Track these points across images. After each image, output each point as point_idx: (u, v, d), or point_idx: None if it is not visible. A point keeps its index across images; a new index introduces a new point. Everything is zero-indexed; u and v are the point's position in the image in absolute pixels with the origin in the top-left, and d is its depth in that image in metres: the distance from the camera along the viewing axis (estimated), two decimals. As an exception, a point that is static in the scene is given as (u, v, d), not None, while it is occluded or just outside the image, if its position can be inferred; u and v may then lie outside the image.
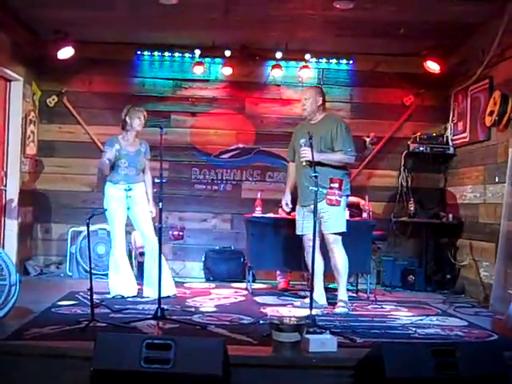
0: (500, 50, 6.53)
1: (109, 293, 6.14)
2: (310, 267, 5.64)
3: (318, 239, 5.55)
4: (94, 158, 7.85)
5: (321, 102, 5.93)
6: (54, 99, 7.95)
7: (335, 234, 5.75)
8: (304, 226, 5.85)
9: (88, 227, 5.01)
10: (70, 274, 7.60)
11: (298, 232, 5.95)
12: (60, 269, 7.84)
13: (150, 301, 5.84)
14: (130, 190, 6.08)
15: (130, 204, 6.14)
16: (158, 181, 5.34)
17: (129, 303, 5.79)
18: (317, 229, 5.26)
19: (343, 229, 5.80)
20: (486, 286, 6.57)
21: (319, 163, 5.47)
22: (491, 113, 6.54)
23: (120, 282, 6.14)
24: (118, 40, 7.79)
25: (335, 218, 5.71)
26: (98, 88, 8.03)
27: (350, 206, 6.54)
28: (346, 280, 5.94)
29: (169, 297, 6.05)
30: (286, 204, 6.13)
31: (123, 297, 6.03)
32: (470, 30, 7.05)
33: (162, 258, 6.15)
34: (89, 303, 4.93)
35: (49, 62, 7.63)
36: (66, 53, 7.48)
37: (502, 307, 5.65)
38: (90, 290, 4.84)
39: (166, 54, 8.08)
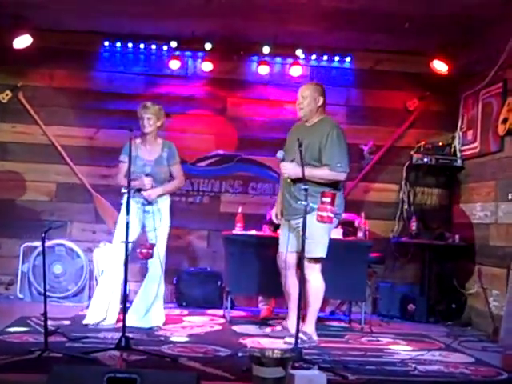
0: (515, 50, 6.62)
1: (76, 319, 6.17)
2: (285, 290, 5.73)
3: (294, 259, 5.58)
4: (53, 162, 7.88)
5: (321, 102, 5.86)
6: (7, 95, 7.91)
7: (312, 258, 5.68)
8: (280, 243, 5.91)
9: (43, 242, 4.99)
10: (22, 296, 7.56)
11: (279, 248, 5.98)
12: (10, 290, 7.78)
13: (113, 328, 5.84)
14: (147, 204, 6.05)
15: (147, 222, 6.13)
16: (125, 190, 5.35)
17: (89, 331, 5.78)
18: (293, 248, 5.29)
19: (322, 254, 5.73)
20: (496, 318, 6.62)
21: (301, 180, 5.29)
22: (505, 120, 6.61)
23: (103, 308, 6.08)
24: (84, 28, 7.79)
25: (315, 241, 5.58)
26: (59, 83, 8.02)
27: (343, 223, 6.58)
28: (316, 311, 5.86)
29: (151, 328, 6.07)
30: (276, 216, 6.13)
31: (96, 327, 5.96)
32: (482, 26, 7.12)
33: (163, 283, 6.22)
34: (42, 330, 4.90)
35: (3, 51, 7.60)
36: (23, 42, 7.47)
37: (513, 342, 5.70)
38: (44, 314, 4.82)
39: (138, 45, 8.08)
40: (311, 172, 5.57)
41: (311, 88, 5.92)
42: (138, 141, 6.21)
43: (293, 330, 5.71)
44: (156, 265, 6.11)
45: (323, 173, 5.68)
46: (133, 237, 6.11)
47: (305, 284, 5.67)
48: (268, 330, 6.09)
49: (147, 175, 6.02)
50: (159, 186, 6.13)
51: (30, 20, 7.36)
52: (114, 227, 6.26)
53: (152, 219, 6.14)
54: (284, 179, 5.81)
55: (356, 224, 6.92)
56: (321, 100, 5.87)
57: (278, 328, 6.04)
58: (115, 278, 6.12)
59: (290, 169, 5.55)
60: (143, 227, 6.19)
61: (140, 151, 6.15)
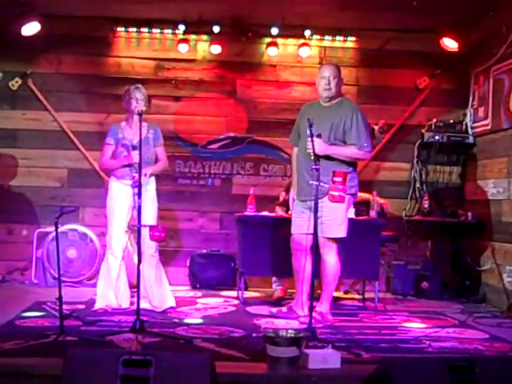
0: (526, 26, 6.57)
1: (90, 303, 6.16)
2: (296, 271, 5.77)
3: (308, 239, 5.57)
4: (63, 148, 7.92)
5: (343, 83, 5.96)
6: (17, 82, 7.92)
7: (331, 238, 5.73)
8: (296, 224, 5.89)
9: (56, 228, 5.00)
10: (36, 281, 7.59)
11: (292, 230, 5.97)
12: (25, 276, 7.82)
13: (127, 312, 5.86)
14: (136, 186, 6.00)
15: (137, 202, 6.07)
16: (136, 175, 5.35)
17: (103, 314, 5.80)
18: (310, 229, 5.28)
19: (342, 234, 5.76)
20: (510, 294, 6.62)
21: (327, 157, 5.46)
22: (516, 96, 6.57)
23: (111, 292, 6.11)
24: (91, 14, 7.78)
25: (334, 221, 5.65)
26: (67, 69, 8.02)
27: (356, 203, 6.56)
28: (332, 291, 5.92)
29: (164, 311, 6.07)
30: (293, 199, 6.09)
31: (107, 311, 5.97)
32: (492, 2, 7.07)
33: (160, 265, 6.22)
34: (57, 314, 4.91)
35: (11, 39, 7.58)
36: (31, 29, 7.46)
37: (527, 317, 5.70)
38: (59, 299, 4.83)
39: (146, 30, 8.07)
40: (338, 150, 5.69)
41: (337, 69, 5.93)
42: (123, 123, 6.23)
43: (301, 312, 5.74)
44: (149, 247, 6.01)
45: (351, 151, 5.73)
46: (126, 221, 6.15)
47: (321, 264, 5.69)
48: (274, 310, 6.09)
49: (134, 148, 5.98)
50: (147, 166, 5.98)
51: (38, 7, 7.36)
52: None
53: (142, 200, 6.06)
54: (304, 155, 5.73)
55: (371, 202, 6.86)
56: (343, 80, 5.96)
57: (284, 309, 6.04)
58: (117, 264, 6.13)
59: (318, 144, 5.43)
60: (133, 209, 6.12)
61: (125, 133, 6.16)
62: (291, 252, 5.96)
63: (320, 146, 5.44)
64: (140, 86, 6.23)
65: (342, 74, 5.99)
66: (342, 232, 5.75)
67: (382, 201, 7.04)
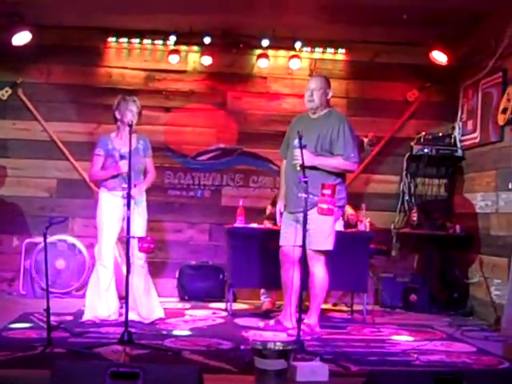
0: (515, 40, 6.62)
1: (78, 314, 6.16)
2: (284, 283, 5.80)
3: (299, 251, 5.59)
4: (53, 158, 7.90)
5: (330, 95, 5.96)
6: (7, 91, 7.91)
7: (318, 251, 5.73)
8: (284, 237, 5.91)
9: (45, 238, 5.00)
10: (24, 292, 7.56)
11: (280, 243, 5.98)
12: (12, 286, 7.80)
13: (116, 323, 5.85)
14: (126, 198, 5.98)
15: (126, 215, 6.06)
16: (126, 185, 5.35)
17: (92, 326, 5.79)
18: (298, 241, 5.31)
19: (328, 246, 5.76)
20: (498, 307, 6.63)
21: (314, 168, 5.47)
22: (504, 110, 6.61)
23: (99, 303, 6.09)
24: (82, 24, 7.79)
25: (321, 233, 5.65)
26: (58, 79, 8.02)
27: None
28: (320, 304, 5.93)
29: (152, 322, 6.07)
30: (281, 212, 6.10)
31: (95, 322, 5.95)
32: (481, 16, 7.13)
33: (149, 276, 6.22)
34: (45, 326, 4.90)
35: (2, 48, 7.59)
36: (21, 38, 7.47)
37: (515, 331, 5.71)
38: (47, 310, 4.83)
39: (137, 40, 8.09)
40: (325, 161, 5.71)
41: (323, 81, 5.99)
42: (113, 134, 6.24)
43: (289, 325, 5.75)
44: (138, 258, 5.99)
45: (337, 162, 5.74)
46: (117, 232, 6.15)
47: (309, 276, 5.70)
48: (261, 324, 6.10)
49: (121, 157, 5.99)
50: (137, 177, 6.03)
51: (28, 17, 7.37)
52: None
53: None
54: (291, 167, 5.76)
55: (345, 216, 6.87)
56: (330, 93, 5.96)
57: (272, 322, 6.04)
58: (108, 275, 6.13)
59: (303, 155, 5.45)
60: (123, 221, 6.12)
61: (115, 144, 6.16)
62: (280, 264, 5.96)
63: (306, 157, 5.41)
64: (136, 98, 6.23)
65: (332, 86, 6.02)
66: (328, 244, 5.75)
67: (350, 211, 7.02)
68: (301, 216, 5.57)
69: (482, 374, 4.14)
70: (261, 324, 6.09)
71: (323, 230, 5.66)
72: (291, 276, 5.72)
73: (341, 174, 5.85)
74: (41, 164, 7.93)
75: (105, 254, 6.12)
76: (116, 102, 6.20)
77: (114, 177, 6.10)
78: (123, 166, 5.90)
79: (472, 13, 7.00)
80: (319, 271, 5.76)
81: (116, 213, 6.10)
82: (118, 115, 6.16)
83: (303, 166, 5.30)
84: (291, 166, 5.77)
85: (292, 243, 5.73)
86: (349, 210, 6.98)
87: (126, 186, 5.52)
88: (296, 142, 5.58)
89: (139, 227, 5.97)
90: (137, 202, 5.95)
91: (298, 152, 5.51)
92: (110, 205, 6.12)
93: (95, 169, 6.21)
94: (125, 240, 5.45)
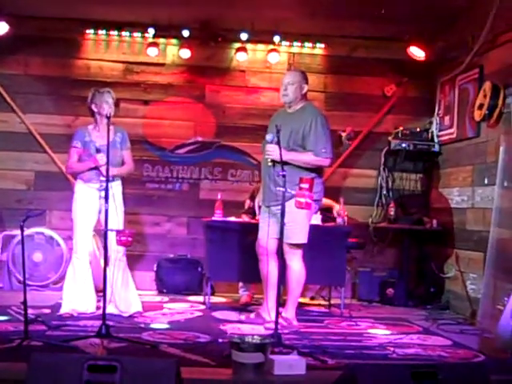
0: (491, 36, 6.65)
1: (56, 307, 6.12)
2: (262, 276, 5.80)
3: (274, 245, 5.61)
4: (31, 151, 7.85)
5: (306, 89, 5.93)
6: (-16, 83, 7.86)
7: (293, 244, 5.73)
8: (261, 230, 5.94)
9: (22, 231, 4.96)
10: (1, 285, 7.51)
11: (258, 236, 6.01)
12: (-11, 279, 7.75)
13: (93, 316, 5.83)
14: (103, 190, 5.78)
15: (102, 208, 5.85)
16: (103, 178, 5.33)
17: (69, 319, 5.77)
18: (274, 235, 5.32)
19: (303, 240, 5.77)
20: (473, 301, 6.70)
21: (285, 163, 5.42)
22: (481, 106, 6.65)
23: (77, 296, 6.06)
24: (60, 15, 7.73)
25: (297, 226, 5.64)
26: (35, 71, 7.96)
27: (322, 209, 6.60)
28: (297, 297, 5.94)
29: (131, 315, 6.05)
30: (259, 206, 6.13)
31: (72, 315, 5.91)
32: (458, 12, 7.17)
33: (127, 269, 6.19)
34: (22, 319, 4.88)
35: (-22, 39, 7.54)
36: (-1, 29, 7.40)
37: (490, 324, 5.74)
38: (24, 303, 4.79)
39: (115, 32, 8.04)
40: (296, 156, 5.68)
41: (297, 75, 5.98)
42: (90, 126, 6.21)
43: (268, 317, 5.75)
44: (116, 251, 5.96)
45: (308, 158, 5.73)
46: (93, 224, 6.13)
47: (285, 270, 5.71)
48: (242, 316, 6.11)
49: (97, 151, 5.97)
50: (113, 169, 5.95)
51: (6, 7, 7.30)
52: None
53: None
54: (265, 162, 5.82)
55: (334, 212, 6.92)
56: (305, 87, 5.94)
57: (252, 315, 6.06)
58: (84, 268, 6.10)
59: (274, 150, 5.50)
60: (99, 213, 6.10)
61: (93, 136, 6.14)
62: (257, 257, 5.98)
63: (276, 152, 5.40)
64: (110, 89, 6.20)
65: (310, 80, 6.03)
66: (302, 237, 5.76)
67: (338, 207, 7.02)
68: (275, 209, 5.67)
69: (457, 367, 4.17)
70: (242, 317, 6.10)
71: (297, 224, 5.64)
72: (270, 269, 5.73)
73: (316, 169, 5.83)
74: (18, 156, 7.87)
75: (80, 246, 6.10)
76: (90, 95, 6.16)
77: (90, 169, 6.07)
78: (100, 159, 5.88)
79: (449, 9, 7.03)
80: (295, 265, 5.78)
81: (92, 205, 6.08)
82: (94, 108, 6.13)
83: (276, 161, 5.36)
84: (265, 161, 5.80)
85: (267, 237, 5.74)
86: (336, 207, 6.96)
87: (103, 178, 5.51)
88: (268, 136, 5.61)
89: (115, 220, 5.91)
90: (113, 195, 5.90)
91: (268, 147, 5.59)
92: (85, 197, 6.10)
93: (72, 161, 6.18)
94: (102, 233, 5.42)
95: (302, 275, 5.82)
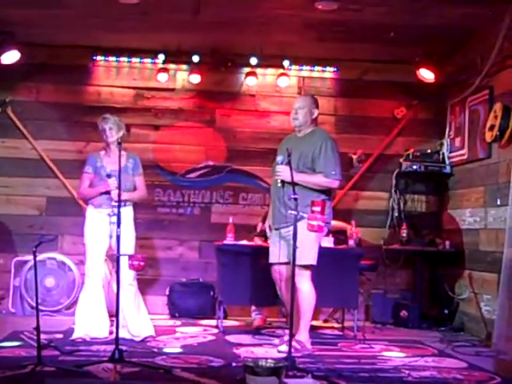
0: (501, 58, 6.67)
1: (69, 332, 6.11)
2: (284, 302, 5.73)
3: (287, 269, 5.59)
4: (42, 176, 7.88)
5: (316, 114, 5.99)
6: (-4, 110, 7.92)
7: (302, 266, 5.67)
8: (271, 254, 5.94)
9: (35, 256, 4.97)
10: (14, 310, 7.50)
11: (269, 260, 5.99)
12: (2, 305, 7.72)
13: (106, 341, 5.81)
14: (114, 215, 5.81)
15: (114, 231, 5.80)
16: (115, 204, 5.33)
17: (82, 344, 5.75)
18: (285, 258, 5.31)
19: (313, 261, 5.75)
20: (488, 323, 6.64)
21: (296, 184, 5.44)
22: (492, 127, 6.64)
23: (90, 320, 6.04)
24: (71, 43, 7.80)
25: (305, 248, 5.56)
26: (47, 97, 8.01)
27: (334, 232, 6.59)
28: (309, 319, 5.87)
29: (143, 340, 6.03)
30: (269, 227, 6.12)
31: (85, 340, 5.89)
32: (467, 35, 7.19)
33: (138, 293, 6.18)
34: (35, 344, 4.87)
35: (-10, 67, 7.59)
36: (10, 57, 7.46)
37: (505, 346, 5.71)
38: (37, 328, 4.79)
39: (126, 59, 8.11)
40: (306, 178, 5.73)
41: (308, 100, 6.06)
42: (102, 152, 6.24)
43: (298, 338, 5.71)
44: (127, 276, 5.92)
45: (318, 179, 5.76)
46: (104, 249, 6.13)
47: (296, 293, 5.67)
48: (276, 341, 6.05)
49: (108, 176, 5.98)
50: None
51: (18, 35, 7.36)
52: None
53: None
54: (274, 184, 5.84)
55: (348, 232, 6.91)
56: (316, 112, 6.00)
57: (286, 338, 5.99)
58: (96, 292, 6.09)
59: (284, 171, 5.56)
60: (110, 238, 6.10)
61: (104, 162, 6.16)
62: (274, 282, 5.98)
63: (286, 172, 5.47)
64: (108, 115, 6.21)
65: (320, 104, 6.06)
66: (310, 259, 5.73)
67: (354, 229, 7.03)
68: (284, 232, 5.69)
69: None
70: (276, 341, 6.04)
71: (306, 245, 5.56)
72: (285, 293, 5.72)
73: (325, 191, 5.85)
74: (30, 182, 7.90)
75: (93, 271, 6.10)
76: (98, 122, 6.23)
77: (101, 194, 6.08)
78: (111, 183, 5.90)
79: (458, 31, 7.06)
80: (305, 286, 5.74)
81: (102, 230, 6.08)
82: (102, 134, 6.17)
83: (286, 182, 5.43)
84: (275, 183, 5.83)
85: (277, 260, 5.76)
86: (353, 229, 6.94)
87: (115, 203, 5.52)
88: (278, 158, 5.70)
89: (126, 244, 5.90)
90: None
91: (279, 168, 5.65)
92: (96, 222, 6.11)
93: (83, 186, 6.21)
94: (114, 258, 5.42)
95: (312, 297, 5.78)
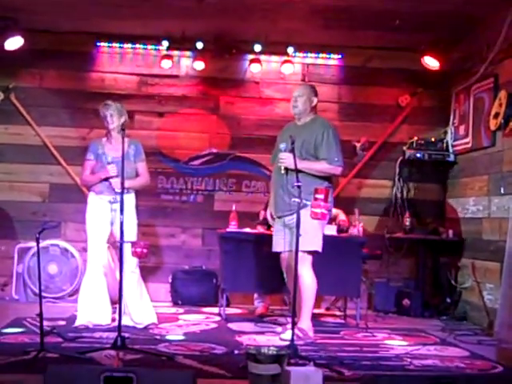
0: (506, 45, 6.65)
1: (71, 319, 6.12)
2: (290, 289, 5.72)
3: (289, 257, 5.59)
4: (45, 163, 7.87)
5: (315, 102, 6.01)
6: (-1, 96, 7.91)
7: (306, 252, 5.67)
8: (276, 243, 5.94)
9: (38, 243, 4.97)
10: (17, 297, 7.53)
11: (273, 249, 5.99)
12: (5, 291, 7.75)
13: (109, 328, 5.83)
14: (115, 202, 5.90)
15: (115, 218, 5.93)
16: (118, 191, 5.33)
17: (85, 331, 5.76)
18: (290, 247, 5.30)
19: (317, 248, 5.75)
20: (491, 311, 6.64)
21: (299, 171, 5.45)
22: (496, 115, 6.62)
23: (92, 307, 6.06)
24: (75, 29, 7.77)
25: (310, 234, 5.57)
26: (50, 84, 8.00)
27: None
28: (311, 307, 5.85)
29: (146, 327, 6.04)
30: (271, 215, 6.13)
31: (88, 327, 5.90)
32: (473, 22, 7.15)
33: (141, 281, 6.19)
34: (38, 331, 4.89)
35: (-6, 53, 7.58)
36: (14, 43, 7.45)
37: (508, 335, 5.71)
38: (40, 315, 4.80)
39: (130, 45, 8.08)
40: (310, 165, 5.75)
41: (306, 88, 6.10)
42: (104, 139, 6.24)
43: (299, 333, 5.70)
44: (129, 263, 5.86)
45: (321, 166, 5.78)
46: (106, 236, 6.13)
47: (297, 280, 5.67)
48: (279, 329, 6.06)
49: (109, 163, 5.99)
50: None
51: (21, 21, 7.35)
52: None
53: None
54: (277, 171, 5.84)
55: (339, 221, 6.88)
56: (315, 101, 6.01)
57: (289, 326, 5.99)
58: (98, 279, 6.10)
59: (287, 158, 5.59)
60: (111, 225, 6.11)
61: (106, 149, 6.16)
62: (283, 271, 5.97)
63: (290, 159, 5.49)
64: (109, 102, 6.21)
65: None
66: (315, 245, 5.73)
67: (342, 217, 7.02)
68: (288, 220, 5.66)
69: (475, 379, 4.15)
70: (279, 329, 6.05)
71: (310, 232, 5.56)
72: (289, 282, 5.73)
73: (327, 178, 5.87)
74: (33, 169, 7.90)
75: (95, 258, 6.10)
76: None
77: (101, 180, 6.08)
78: (111, 169, 5.91)
79: (464, 18, 7.02)
80: (306, 273, 5.72)
81: (104, 216, 6.09)
82: (103, 120, 6.18)
83: (290, 169, 5.45)
84: (277, 171, 5.85)
85: (281, 249, 5.78)
86: (341, 216, 6.99)
87: (118, 190, 5.51)
88: (282, 145, 5.78)
89: (128, 231, 5.88)
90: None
91: (282, 155, 5.68)
92: (97, 208, 6.11)
93: (85, 173, 6.21)
94: (117, 245, 5.42)
95: (314, 284, 5.77)
